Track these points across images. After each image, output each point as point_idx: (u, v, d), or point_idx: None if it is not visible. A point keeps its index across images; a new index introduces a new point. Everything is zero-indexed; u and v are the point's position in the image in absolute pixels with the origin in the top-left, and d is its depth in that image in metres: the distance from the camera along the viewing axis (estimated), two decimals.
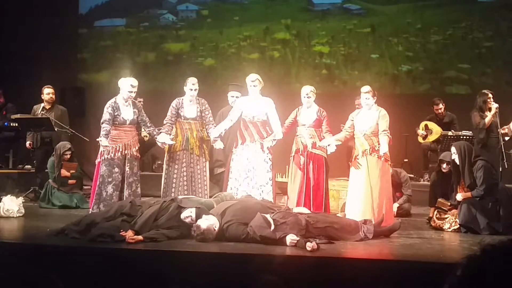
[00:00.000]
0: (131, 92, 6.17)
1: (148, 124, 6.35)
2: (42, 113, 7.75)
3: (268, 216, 5.01)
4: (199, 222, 4.96)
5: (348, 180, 6.19)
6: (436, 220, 5.89)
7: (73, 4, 10.31)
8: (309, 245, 4.57)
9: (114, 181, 6.09)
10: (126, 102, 6.20)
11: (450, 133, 7.88)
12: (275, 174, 6.46)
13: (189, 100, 6.34)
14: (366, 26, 9.60)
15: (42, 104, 7.85)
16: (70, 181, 7.19)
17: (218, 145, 6.29)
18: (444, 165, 6.14)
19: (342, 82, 9.62)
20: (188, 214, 5.10)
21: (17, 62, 9.81)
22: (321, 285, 4.12)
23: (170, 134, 6.24)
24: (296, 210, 5.56)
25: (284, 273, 3.78)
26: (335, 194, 6.88)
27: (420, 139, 8.27)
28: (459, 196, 5.76)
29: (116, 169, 6.10)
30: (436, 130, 8.12)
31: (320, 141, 6.24)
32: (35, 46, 9.74)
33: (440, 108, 8.24)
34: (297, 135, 6.35)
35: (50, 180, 7.14)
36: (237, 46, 9.95)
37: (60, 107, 8.02)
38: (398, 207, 6.69)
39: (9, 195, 6.35)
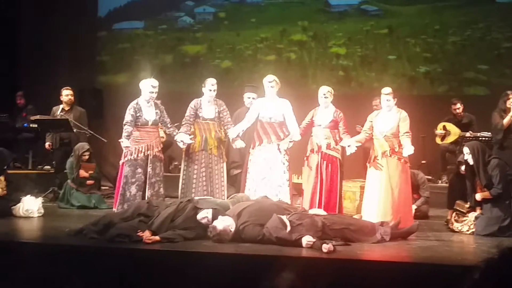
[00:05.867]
0: (152, 92, 6.22)
1: (169, 125, 6.40)
2: (61, 115, 7.84)
3: (284, 217, 5.01)
4: (215, 223, 4.98)
5: (364, 181, 6.16)
6: (454, 223, 5.84)
7: (92, 7, 10.43)
8: (325, 247, 4.56)
9: (138, 181, 6.15)
10: (148, 103, 6.25)
11: (468, 134, 7.80)
12: (291, 175, 6.45)
13: (207, 101, 6.38)
14: (383, 27, 9.55)
15: (61, 106, 7.94)
16: (88, 182, 7.27)
17: (239, 144, 6.31)
18: (463, 167, 6.08)
19: (359, 84, 9.57)
20: (204, 215, 5.13)
21: (37, 64, 9.94)
22: (338, 287, 4.10)
23: (188, 134, 6.27)
24: (312, 211, 5.56)
25: (300, 274, 3.77)
26: (352, 196, 6.85)
27: (438, 140, 8.20)
28: (478, 196, 5.72)
29: (139, 170, 6.16)
30: (455, 131, 8.04)
31: (335, 142, 6.23)
32: (55, 49, 9.88)
33: (459, 109, 8.17)
34: (312, 136, 6.33)
35: (68, 181, 7.22)
36: (254, 48, 9.97)
37: (78, 108, 8.10)
38: (415, 209, 6.63)
39: (28, 195, 6.44)
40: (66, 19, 10.01)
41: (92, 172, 7.32)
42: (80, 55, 9.99)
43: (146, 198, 6.06)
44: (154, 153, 6.19)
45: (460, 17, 9.29)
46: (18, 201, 6.32)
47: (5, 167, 6.67)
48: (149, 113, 6.24)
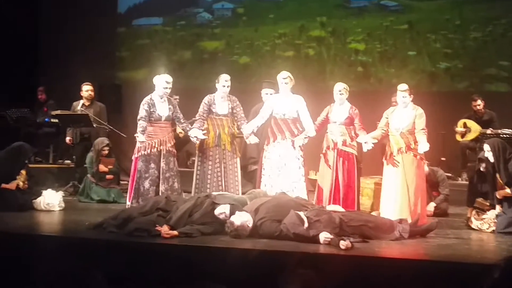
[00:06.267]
0: (166, 88, 6.27)
1: (182, 120, 6.44)
2: (81, 110, 7.93)
3: (301, 213, 5.01)
4: (232, 218, 5.00)
5: (379, 178, 6.12)
6: (474, 220, 5.78)
7: (111, 3, 10.52)
8: (343, 244, 4.55)
9: (151, 176, 6.21)
10: (161, 98, 6.30)
11: (489, 131, 7.71)
12: (307, 171, 6.44)
13: (220, 96, 6.40)
14: (403, 22, 9.47)
15: (82, 101, 8.03)
16: (107, 176, 7.34)
17: (253, 139, 6.32)
18: (483, 164, 6.01)
19: (378, 80, 9.51)
20: (222, 210, 5.15)
21: (58, 60, 10.07)
22: (355, 284, 4.09)
23: (202, 130, 6.31)
24: (330, 208, 5.54)
25: (317, 271, 3.77)
26: (370, 192, 6.82)
27: (458, 137, 8.12)
28: (499, 194, 5.66)
29: (153, 165, 6.21)
30: (475, 128, 7.95)
31: (350, 139, 6.22)
32: (75, 45, 9.99)
33: (479, 105, 8.07)
34: (328, 132, 6.32)
35: (88, 175, 7.30)
36: (272, 44, 9.96)
37: (98, 103, 8.18)
38: (435, 207, 6.59)
39: (49, 189, 6.54)
40: (86, 16, 10.11)
41: (111, 166, 7.40)
42: (100, 51, 10.09)
43: (160, 193, 6.12)
44: (167, 148, 6.25)
45: (481, 12, 9.17)
46: (39, 194, 6.41)
47: (26, 161, 6.77)
48: (163, 109, 6.29)
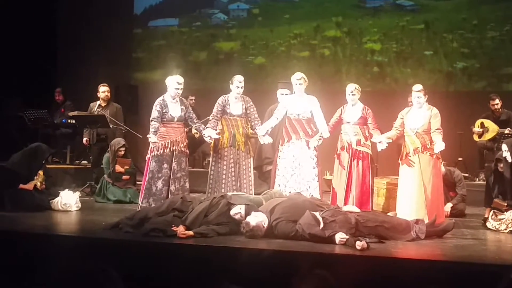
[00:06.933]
0: (178, 89, 6.30)
1: (195, 120, 6.48)
2: (98, 111, 7.99)
3: (317, 214, 5.00)
4: (248, 218, 5.00)
5: (392, 178, 6.09)
6: (491, 221, 5.72)
7: (128, 4, 10.60)
8: (359, 244, 4.53)
9: (164, 176, 6.24)
10: (173, 99, 6.33)
11: (507, 131, 7.64)
12: (321, 171, 6.45)
13: (234, 97, 6.43)
14: (419, 22, 9.41)
15: (98, 102, 8.09)
16: (124, 177, 7.39)
17: (267, 139, 6.34)
18: (501, 164, 5.95)
19: (394, 80, 9.46)
20: (237, 210, 5.15)
21: (75, 62, 10.17)
22: (371, 285, 4.07)
23: (215, 130, 6.33)
24: (346, 208, 5.52)
25: (333, 271, 3.76)
26: (386, 193, 6.78)
27: (475, 137, 8.05)
28: None
29: (165, 165, 6.25)
30: (493, 128, 7.88)
31: (364, 138, 6.21)
32: (92, 47, 10.08)
33: (497, 104, 8.00)
34: (342, 133, 6.33)
35: (105, 176, 7.36)
36: (288, 44, 9.96)
37: (115, 104, 8.23)
38: (452, 207, 6.54)
39: (66, 190, 6.60)
40: (103, 17, 10.20)
41: (127, 167, 7.45)
42: (116, 53, 10.18)
43: (171, 193, 6.15)
44: (179, 149, 6.28)
45: (498, 11, 9.08)
46: (56, 195, 6.47)
47: (44, 162, 6.84)
48: (175, 109, 6.32)
